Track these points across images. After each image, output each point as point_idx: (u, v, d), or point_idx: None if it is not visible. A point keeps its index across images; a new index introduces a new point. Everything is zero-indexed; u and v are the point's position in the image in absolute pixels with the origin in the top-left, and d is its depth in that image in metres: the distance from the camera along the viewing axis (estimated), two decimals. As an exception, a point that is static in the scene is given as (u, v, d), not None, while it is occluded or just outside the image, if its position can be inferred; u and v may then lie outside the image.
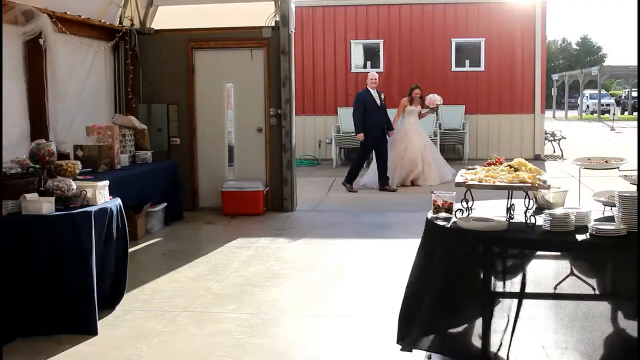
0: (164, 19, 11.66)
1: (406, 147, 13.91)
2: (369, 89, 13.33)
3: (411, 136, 13.97)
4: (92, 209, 5.82)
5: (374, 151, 13.67)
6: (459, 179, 4.99)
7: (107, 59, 10.95)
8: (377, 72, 17.15)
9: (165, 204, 10.09)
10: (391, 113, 14.03)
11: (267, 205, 11.24)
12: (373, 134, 13.30)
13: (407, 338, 4.89)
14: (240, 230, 9.82)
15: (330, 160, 17.82)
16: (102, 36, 10.62)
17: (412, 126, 14.05)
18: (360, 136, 13.34)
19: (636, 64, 48.68)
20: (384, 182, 13.46)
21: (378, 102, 13.32)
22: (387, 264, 7.84)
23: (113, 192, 6.50)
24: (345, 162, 17.93)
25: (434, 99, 14.09)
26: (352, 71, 18.71)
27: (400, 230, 9.57)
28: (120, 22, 11.17)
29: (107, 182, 6.30)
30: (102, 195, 6.13)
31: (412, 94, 14.08)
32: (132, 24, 11.32)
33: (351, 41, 18.68)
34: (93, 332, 5.62)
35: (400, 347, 4.88)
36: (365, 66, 18.80)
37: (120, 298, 6.38)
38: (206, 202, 11.51)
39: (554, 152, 20.00)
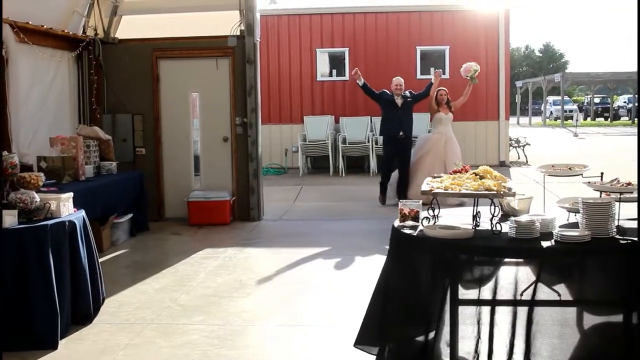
0: (129, 28, 11.60)
1: (424, 156, 12.47)
2: (393, 94, 12.34)
3: (436, 146, 12.43)
4: (56, 221, 5.75)
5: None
6: (424, 187, 5.03)
7: (70, 69, 10.84)
8: (343, 79, 17.30)
9: (131, 215, 10.01)
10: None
11: (234, 215, 11.20)
12: (388, 132, 12.41)
13: (369, 342, 4.95)
14: (207, 241, 9.77)
15: (297, 169, 17.81)
16: (66, 46, 10.51)
17: (440, 136, 12.52)
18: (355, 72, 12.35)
19: (599, 70, 49.45)
20: (400, 192, 12.27)
21: (399, 103, 12.24)
22: (355, 272, 7.85)
23: (78, 204, 6.44)
24: (312, 171, 17.96)
25: (469, 66, 12.47)
26: (317, 79, 18.74)
27: (368, 239, 9.56)
28: (84, 32, 11.07)
29: (71, 194, 6.23)
30: (66, 207, 6.06)
31: (437, 97, 12.57)
32: (96, 34, 11.22)
33: (317, 49, 18.71)
34: (54, 346, 5.54)
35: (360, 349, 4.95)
36: (331, 74, 18.87)
37: (95, 312, 6.32)
38: (172, 212, 11.44)
39: (519, 158, 20.21)
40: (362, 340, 4.98)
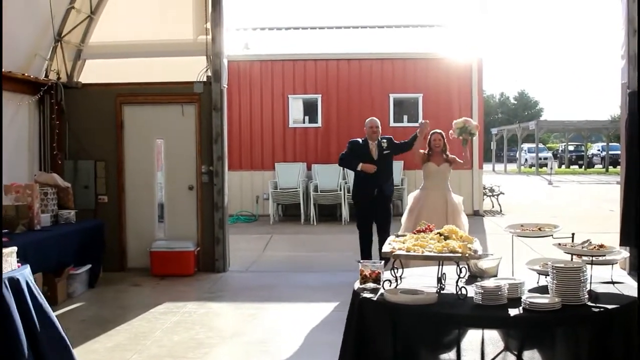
0: (93, 72, 11.37)
1: (410, 220, 9.30)
2: (368, 139, 10.21)
3: (423, 204, 9.39)
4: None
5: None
6: (386, 247, 4.77)
7: (31, 114, 10.56)
8: (316, 126, 17.10)
9: (89, 266, 9.63)
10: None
11: (199, 266, 10.83)
12: (361, 192, 10.19)
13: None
14: (168, 293, 9.38)
15: (268, 217, 17.46)
16: (26, 90, 10.24)
17: (427, 192, 9.49)
18: (368, 167, 9.92)
19: (573, 118, 49.93)
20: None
21: (375, 155, 10.08)
22: (323, 331, 7.44)
23: (30, 255, 6.07)
24: (283, 218, 17.64)
25: (454, 124, 9.72)
26: (290, 126, 18.50)
27: (338, 293, 9.01)
28: (47, 75, 10.79)
29: (14, 249, 5.83)
30: (8, 263, 5.68)
31: (430, 143, 9.67)
32: (59, 78, 10.95)
33: (289, 96, 18.49)
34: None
35: None
36: (303, 121, 18.65)
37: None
38: (135, 262, 11.06)
39: (493, 207, 20.02)
40: None
